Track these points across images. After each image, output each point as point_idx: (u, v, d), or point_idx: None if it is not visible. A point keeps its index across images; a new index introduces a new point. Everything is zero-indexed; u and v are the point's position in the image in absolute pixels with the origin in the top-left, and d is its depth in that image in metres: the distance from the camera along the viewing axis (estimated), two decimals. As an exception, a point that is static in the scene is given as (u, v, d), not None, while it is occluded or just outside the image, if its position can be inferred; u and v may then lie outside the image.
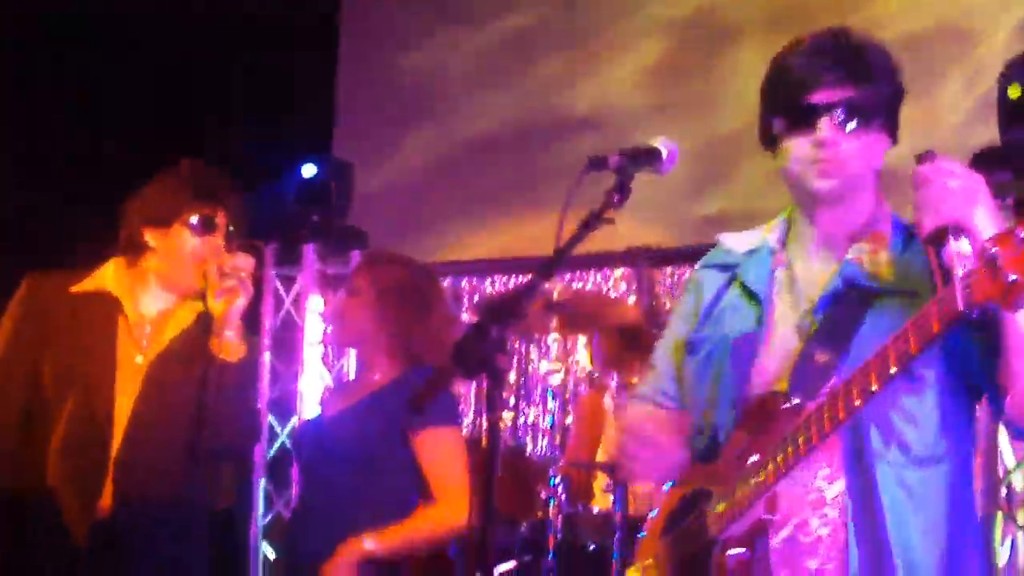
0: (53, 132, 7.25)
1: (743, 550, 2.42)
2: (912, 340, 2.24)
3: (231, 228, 3.54)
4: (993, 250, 2.11)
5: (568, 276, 7.55)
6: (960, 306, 2.16)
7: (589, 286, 7.56)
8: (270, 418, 7.73)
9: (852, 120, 2.49)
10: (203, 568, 3.56)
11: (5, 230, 6.83)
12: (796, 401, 2.43)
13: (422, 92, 8.34)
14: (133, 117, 7.47)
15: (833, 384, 2.40)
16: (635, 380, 5.27)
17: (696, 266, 2.86)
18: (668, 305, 7.30)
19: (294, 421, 7.73)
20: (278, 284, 7.76)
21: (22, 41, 7.27)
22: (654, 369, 2.85)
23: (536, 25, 8.00)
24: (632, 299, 7.38)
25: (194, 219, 3.49)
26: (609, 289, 7.54)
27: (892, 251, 2.55)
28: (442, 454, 3.62)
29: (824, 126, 2.48)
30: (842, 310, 2.49)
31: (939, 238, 2.25)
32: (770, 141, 2.63)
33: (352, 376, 7.89)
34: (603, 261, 7.42)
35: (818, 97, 2.50)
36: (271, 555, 7.49)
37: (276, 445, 7.74)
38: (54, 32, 7.39)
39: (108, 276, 3.54)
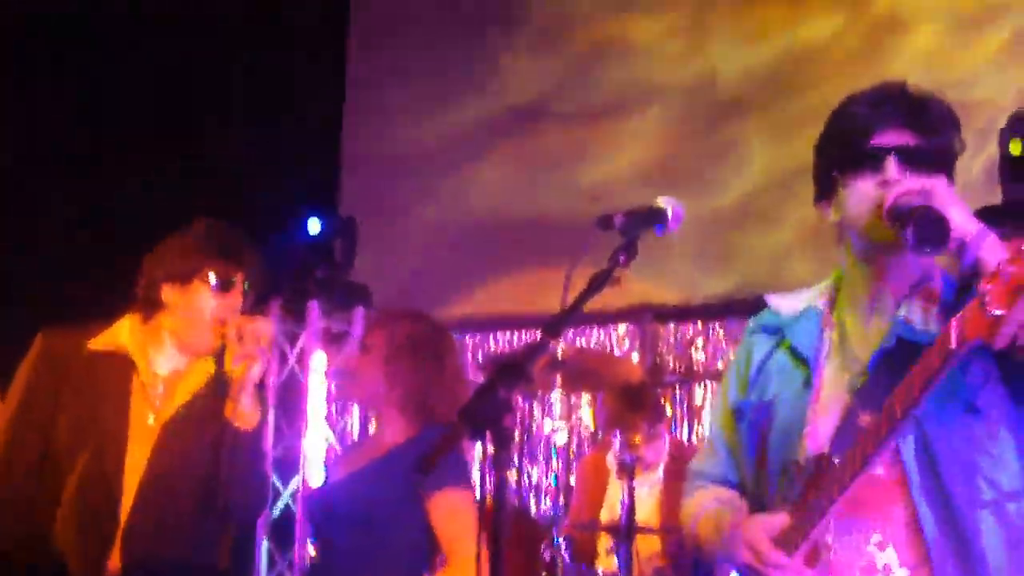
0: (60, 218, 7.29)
1: None
2: (916, 381, 2.27)
3: (248, 288, 3.51)
4: (986, 287, 2.14)
5: (571, 333, 7.55)
6: (952, 344, 2.20)
7: (592, 343, 7.56)
8: (273, 477, 7.69)
9: (916, 164, 2.45)
10: None
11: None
12: (838, 462, 2.40)
13: (427, 151, 8.38)
14: (134, 180, 7.49)
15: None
16: (638, 439, 5.26)
17: (746, 330, 2.81)
18: (671, 363, 7.30)
19: (297, 480, 7.69)
20: (282, 340, 7.75)
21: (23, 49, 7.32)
22: (710, 445, 2.81)
23: (541, 98, 8.07)
24: (635, 357, 7.38)
25: (213, 278, 3.45)
26: (612, 346, 7.53)
27: (943, 307, 2.50)
28: (455, 517, 3.58)
29: (890, 166, 2.44)
30: (891, 368, 2.43)
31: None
32: (826, 193, 2.58)
33: (356, 434, 7.87)
34: (606, 318, 7.42)
35: (883, 139, 2.47)
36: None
37: (279, 505, 7.70)
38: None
39: (123, 334, 3.50)
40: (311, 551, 7.05)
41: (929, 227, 2.34)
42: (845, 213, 2.53)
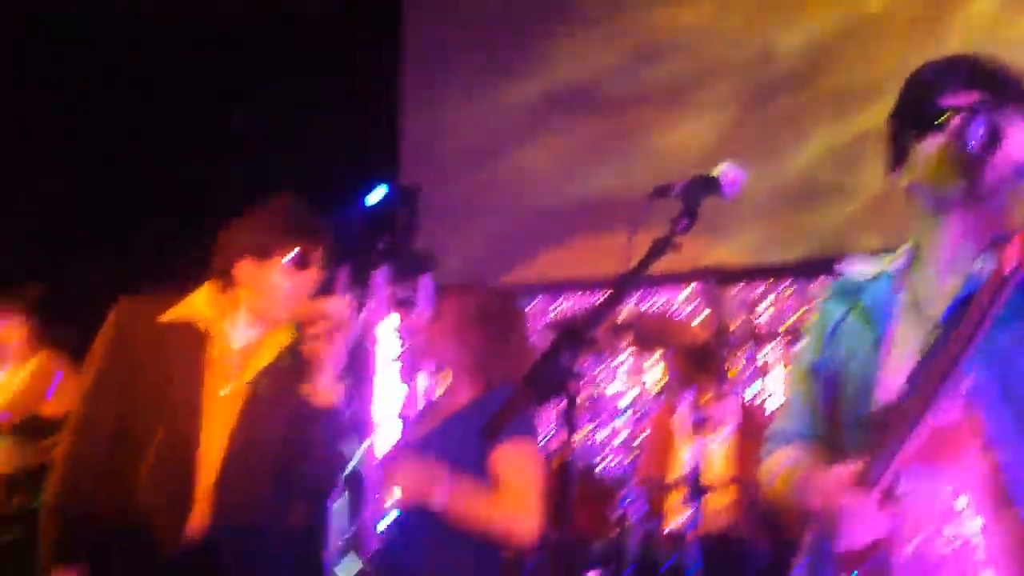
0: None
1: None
2: (974, 313, 2.29)
3: (324, 266, 3.53)
4: None
5: (638, 296, 7.57)
6: (1006, 271, 2.24)
7: (659, 306, 7.58)
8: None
9: (987, 121, 2.43)
10: None
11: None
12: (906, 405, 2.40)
13: (487, 123, 8.42)
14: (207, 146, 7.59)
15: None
16: (706, 399, 5.29)
17: (821, 296, 2.81)
18: (736, 324, 7.31)
19: (367, 443, 7.77)
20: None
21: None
22: (787, 406, 2.83)
23: (601, 75, 8.08)
24: (701, 318, 7.39)
25: (290, 255, 3.47)
26: (677, 309, 7.55)
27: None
28: (518, 465, 3.65)
29: (960, 122, 2.43)
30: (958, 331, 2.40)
31: None
32: (898, 159, 2.59)
33: (422, 397, 7.95)
34: (671, 280, 7.44)
35: (952, 99, 2.48)
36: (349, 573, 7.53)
37: (350, 467, 7.78)
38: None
39: (198, 305, 3.53)
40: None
41: (995, 171, 2.36)
42: (915, 173, 2.54)
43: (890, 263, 2.66)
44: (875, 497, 2.38)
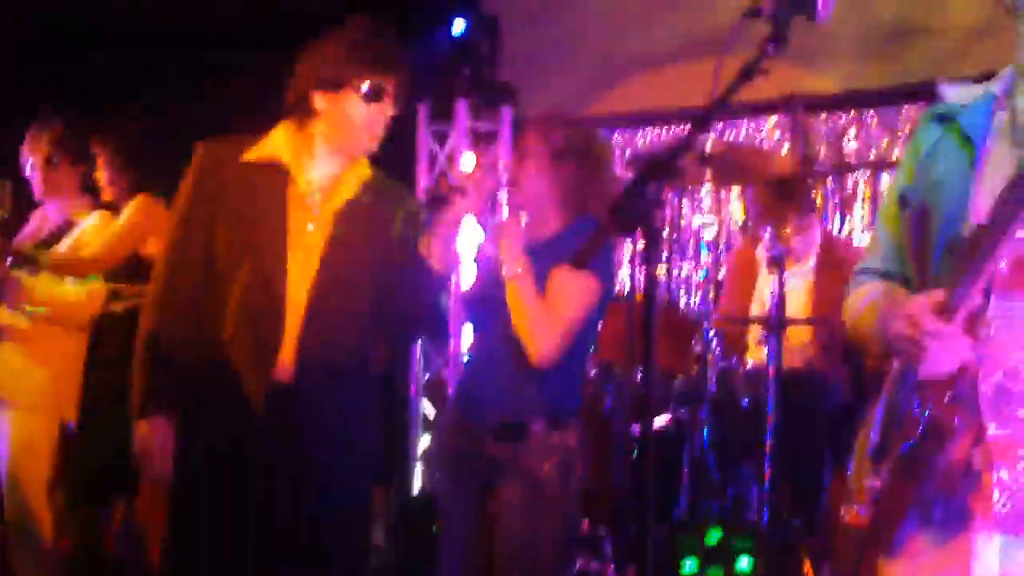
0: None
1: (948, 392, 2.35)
2: None
3: (399, 95, 3.48)
4: None
5: (720, 126, 7.45)
6: None
7: (742, 136, 7.46)
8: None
9: None
10: (378, 436, 3.59)
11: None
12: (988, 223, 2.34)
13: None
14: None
15: None
16: (788, 231, 5.22)
17: (919, 121, 2.72)
18: (823, 153, 7.18)
19: (450, 280, 7.81)
20: (431, 141, 7.81)
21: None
22: (874, 242, 2.79)
23: None
24: (786, 148, 7.27)
25: (365, 86, 3.43)
26: (763, 139, 7.43)
27: None
28: (566, 290, 3.66)
29: None
30: None
31: None
32: None
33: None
34: (756, 110, 7.29)
35: None
36: (431, 413, 7.65)
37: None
38: None
39: (278, 143, 3.51)
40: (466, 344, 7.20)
41: None
42: None
43: (992, 86, 2.57)
44: (959, 321, 2.33)
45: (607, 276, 3.76)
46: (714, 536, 4.97)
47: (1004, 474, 2.33)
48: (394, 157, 7.37)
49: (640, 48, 7.81)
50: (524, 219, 3.90)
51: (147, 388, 3.46)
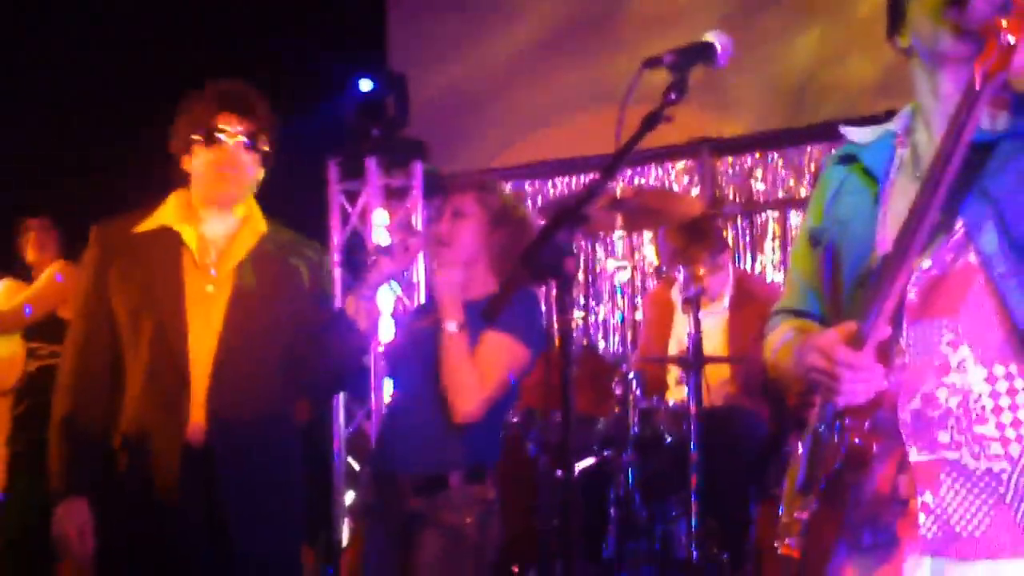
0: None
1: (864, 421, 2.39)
2: (948, 132, 2.31)
3: (246, 129, 3.54)
4: (1001, 21, 2.20)
5: (629, 172, 7.56)
6: (976, 86, 2.24)
7: (651, 180, 7.57)
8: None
9: None
10: (300, 487, 3.62)
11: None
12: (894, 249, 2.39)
13: (472, 4, 8.34)
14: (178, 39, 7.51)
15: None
16: (701, 272, 5.30)
17: (824, 164, 2.78)
18: (732, 195, 7.31)
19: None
20: (343, 199, 7.83)
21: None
22: (789, 284, 2.83)
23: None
24: (695, 191, 7.39)
25: (198, 136, 3.53)
26: (672, 182, 7.54)
27: (1013, 109, 2.47)
28: (490, 351, 3.70)
29: None
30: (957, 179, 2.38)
31: None
32: (896, 23, 2.57)
33: (422, 287, 7.98)
34: (664, 155, 7.42)
35: None
36: (355, 467, 7.62)
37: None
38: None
39: (168, 211, 3.58)
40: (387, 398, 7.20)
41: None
42: (912, 30, 2.51)
43: (892, 125, 2.64)
44: (869, 351, 2.36)
45: (537, 343, 3.78)
46: (645, 573, 5.01)
47: (928, 498, 2.37)
48: (307, 215, 7.41)
49: (549, 99, 7.92)
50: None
51: (63, 472, 3.48)
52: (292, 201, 7.49)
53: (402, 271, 3.57)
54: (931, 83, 2.53)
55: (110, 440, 3.47)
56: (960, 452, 2.38)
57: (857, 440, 2.39)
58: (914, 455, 2.39)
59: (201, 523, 3.38)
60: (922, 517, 2.36)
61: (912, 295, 2.40)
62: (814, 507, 2.51)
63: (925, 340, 2.41)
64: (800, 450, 2.62)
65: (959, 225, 2.38)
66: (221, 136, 3.51)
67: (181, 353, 3.42)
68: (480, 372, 3.67)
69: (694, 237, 5.57)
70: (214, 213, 3.57)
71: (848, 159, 2.67)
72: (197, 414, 3.40)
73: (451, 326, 3.68)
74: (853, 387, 2.37)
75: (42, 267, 5.72)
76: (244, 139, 3.53)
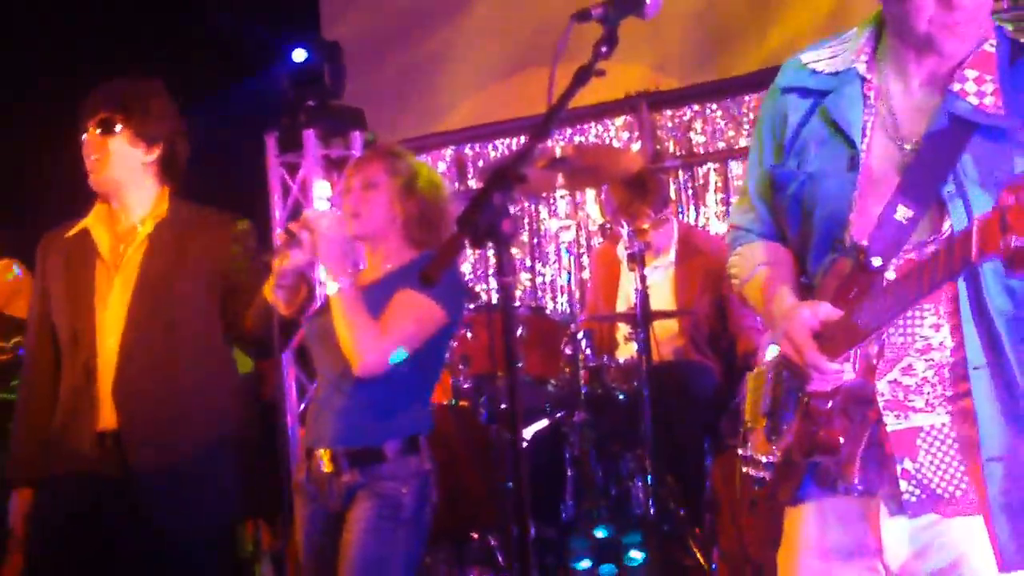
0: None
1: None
2: (939, 270, 2.16)
3: (98, 118, 3.68)
4: (1008, 201, 1.99)
5: (569, 131, 7.54)
6: (973, 257, 2.07)
7: (591, 138, 7.55)
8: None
9: None
10: (229, 462, 3.70)
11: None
12: (878, 263, 2.34)
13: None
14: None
15: (915, 251, 2.34)
16: (646, 226, 5.30)
17: (774, 86, 2.64)
18: (672, 148, 7.30)
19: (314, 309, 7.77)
20: (284, 172, 7.77)
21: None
22: (746, 198, 2.74)
23: None
24: (636, 147, 7.38)
25: (86, 134, 3.70)
26: (612, 139, 7.53)
27: (1000, 72, 2.38)
28: (400, 306, 3.64)
29: None
30: (940, 150, 2.35)
31: None
32: None
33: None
34: (602, 111, 7.40)
35: None
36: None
37: (298, 333, 7.79)
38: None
39: (92, 213, 3.76)
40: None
41: None
42: None
43: (853, 54, 2.52)
44: (842, 359, 2.36)
45: (451, 303, 3.73)
46: (603, 533, 5.02)
47: (908, 464, 2.38)
48: (248, 190, 7.37)
49: (487, 62, 7.88)
50: (366, 249, 3.91)
51: (11, 462, 3.69)
52: (232, 176, 7.49)
53: (324, 257, 3.54)
54: (900, 13, 2.40)
55: (49, 431, 3.64)
56: (935, 414, 2.39)
57: (823, 433, 2.40)
58: (891, 422, 2.40)
59: (121, 508, 3.51)
60: (903, 484, 2.38)
61: (892, 275, 2.36)
62: (779, 456, 2.52)
63: (907, 322, 2.40)
64: (765, 383, 2.63)
65: (947, 226, 2.34)
66: (84, 133, 3.70)
67: (90, 350, 3.59)
68: (382, 324, 3.62)
69: (637, 192, 5.57)
70: (121, 208, 3.73)
71: (806, 90, 2.56)
72: (106, 403, 3.55)
73: (333, 287, 3.61)
74: (820, 382, 2.40)
75: None
76: (97, 128, 3.68)
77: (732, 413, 4.98)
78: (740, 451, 2.67)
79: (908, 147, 2.42)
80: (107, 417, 3.53)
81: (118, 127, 3.66)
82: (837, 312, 2.37)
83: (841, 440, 2.40)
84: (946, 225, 2.34)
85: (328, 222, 3.59)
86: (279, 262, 3.53)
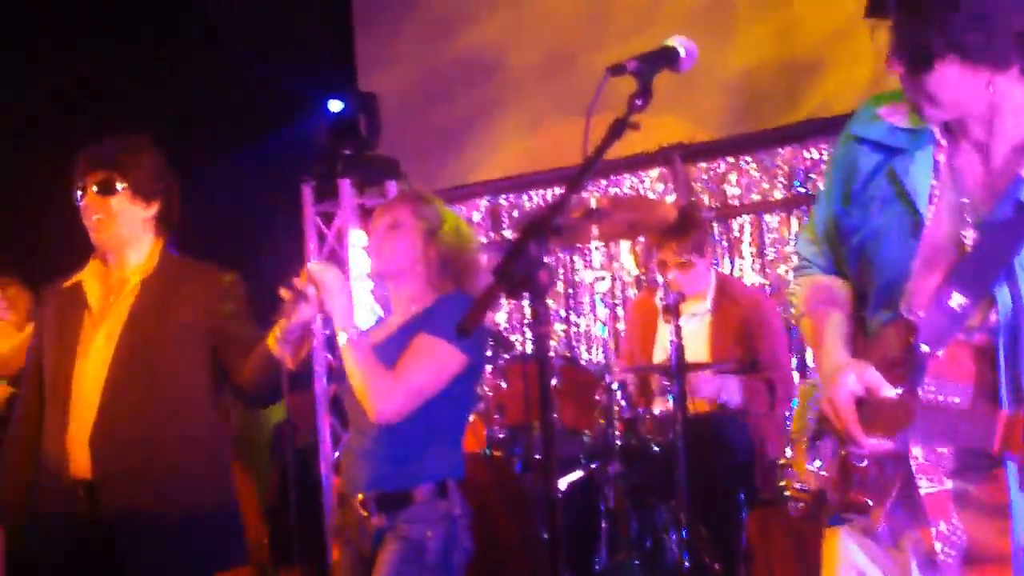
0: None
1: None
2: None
3: (98, 178, 3.74)
4: None
5: (604, 183, 7.55)
6: (994, 449, 2.24)
7: (625, 189, 7.56)
8: (328, 356, 7.82)
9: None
10: (211, 512, 3.74)
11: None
12: (926, 350, 2.39)
13: (441, 13, 8.33)
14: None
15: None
16: (667, 261, 5.30)
17: (849, 131, 2.65)
18: (706, 200, 7.30)
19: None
20: (319, 221, 7.81)
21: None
22: (813, 231, 2.77)
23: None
24: (670, 199, 7.38)
25: (77, 195, 3.77)
26: (646, 191, 7.54)
27: None
28: (417, 354, 3.65)
29: None
30: (1002, 238, 2.37)
31: None
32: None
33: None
34: (637, 163, 7.41)
35: None
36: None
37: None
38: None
39: (88, 266, 3.85)
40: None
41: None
42: None
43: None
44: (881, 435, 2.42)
45: (471, 345, 3.72)
46: (637, 585, 5.00)
47: (942, 527, 2.42)
48: (284, 238, 7.39)
49: (519, 114, 7.92)
50: (390, 291, 3.93)
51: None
52: (269, 225, 7.53)
53: (329, 311, 3.56)
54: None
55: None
56: (968, 483, 2.43)
57: (853, 495, 2.48)
58: (924, 486, 2.43)
59: (93, 554, 3.59)
60: (938, 546, 2.42)
61: (941, 354, 2.41)
62: (814, 488, 2.58)
63: (944, 394, 2.42)
64: (809, 408, 2.69)
65: (994, 317, 2.38)
66: (80, 191, 3.77)
67: (65, 401, 3.66)
68: (397, 372, 3.63)
69: (674, 229, 5.53)
70: (116, 263, 3.81)
71: (878, 148, 2.57)
72: (82, 453, 3.60)
73: (342, 337, 3.64)
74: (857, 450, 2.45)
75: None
76: (95, 188, 3.74)
77: (767, 467, 4.98)
78: (782, 460, 2.71)
79: (969, 219, 2.44)
80: (81, 466, 3.60)
81: (119, 186, 3.74)
82: (881, 382, 2.42)
83: (870, 503, 2.45)
84: (993, 317, 2.38)
85: (332, 275, 3.62)
86: (287, 318, 3.55)
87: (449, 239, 3.87)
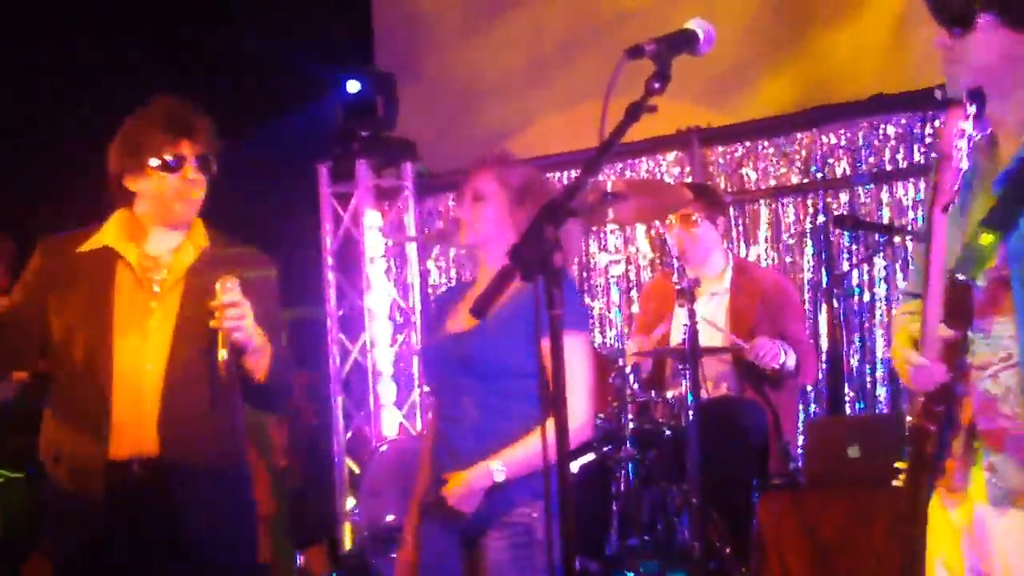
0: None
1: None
2: None
3: (199, 153, 3.56)
4: None
5: (620, 166, 7.54)
6: None
7: (642, 173, 7.55)
8: (340, 336, 7.83)
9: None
10: (252, 499, 3.71)
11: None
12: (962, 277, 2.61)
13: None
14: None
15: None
16: (680, 220, 5.30)
17: (959, 123, 2.76)
18: (724, 184, 7.28)
19: (364, 337, 7.81)
20: (335, 202, 7.83)
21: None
22: (916, 265, 2.99)
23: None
24: (687, 181, 7.36)
25: (157, 161, 3.54)
26: (663, 174, 7.52)
27: None
28: (578, 360, 3.59)
29: None
30: (1015, 190, 2.61)
31: None
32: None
33: (416, 288, 7.96)
34: (654, 147, 7.39)
35: None
36: (356, 470, 7.62)
37: (349, 362, 7.84)
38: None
39: (110, 230, 3.60)
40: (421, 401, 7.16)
41: None
42: None
43: (970, 121, 2.70)
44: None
45: (587, 328, 3.76)
46: (648, 568, 4.99)
47: (994, 457, 2.71)
48: (300, 219, 7.38)
49: (535, 96, 7.90)
50: (480, 259, 3.85)
51: None
52: (284, 205, 7.54)
53: (242, 334, 3.45)
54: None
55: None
56: (1018, 423, 2.68)
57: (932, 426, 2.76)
58: (982, 424, 2.72)
59: (153, 531, 3.46)
60: (987, 474, 2.72)
61: (982, 294, 2.66)
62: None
63: (991, 332, 2.69)
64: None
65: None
66: (178, 163, 3.54)
67: (106, 375, 3.47)
68: (571, 388, 3.47)
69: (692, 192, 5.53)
70: (159, 233, 3.61)
71: (976, 144, 2.74)
72: (148, 429, 3.45)
73: (500, 475, 3.60)
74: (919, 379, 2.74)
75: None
76: (196, 163, 3.55)
77: (783, 448, 4.99)
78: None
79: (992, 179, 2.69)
80: (150, 441, 3.44)
81: (214, 167, 3.60)
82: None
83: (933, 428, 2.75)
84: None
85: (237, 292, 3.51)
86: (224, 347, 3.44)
87: (536, 202, 3.70)
